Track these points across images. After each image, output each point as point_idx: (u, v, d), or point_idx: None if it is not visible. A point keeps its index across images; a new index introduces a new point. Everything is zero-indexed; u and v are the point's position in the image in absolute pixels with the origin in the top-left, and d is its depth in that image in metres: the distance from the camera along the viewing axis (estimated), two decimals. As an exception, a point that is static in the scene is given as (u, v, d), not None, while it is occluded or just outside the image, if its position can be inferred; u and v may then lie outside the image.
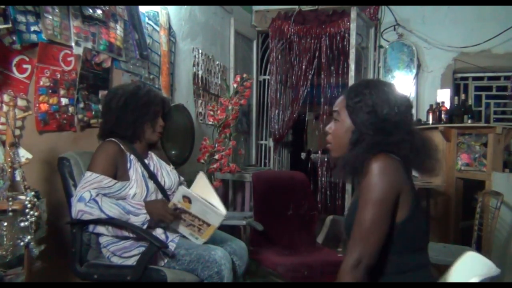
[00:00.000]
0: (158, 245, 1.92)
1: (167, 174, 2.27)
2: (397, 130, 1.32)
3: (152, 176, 2.16)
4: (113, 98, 2.13)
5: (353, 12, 4.15)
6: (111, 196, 2.00)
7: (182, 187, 2.07)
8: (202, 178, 2.15)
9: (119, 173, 2.07)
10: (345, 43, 4.49)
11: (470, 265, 1.29)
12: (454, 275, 1.30)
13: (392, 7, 4.56)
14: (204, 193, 2.08)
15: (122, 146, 2.11)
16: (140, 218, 1.98)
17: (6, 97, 2.00)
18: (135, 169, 2.11)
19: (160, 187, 2.18)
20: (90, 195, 1.92)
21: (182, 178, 2.41)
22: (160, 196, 2.17)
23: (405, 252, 1.30)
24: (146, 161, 2.20)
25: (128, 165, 2.11)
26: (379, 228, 1.22)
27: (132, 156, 2.13)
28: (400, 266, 1.30)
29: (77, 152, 2.24)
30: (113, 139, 2.12)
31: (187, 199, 2.01)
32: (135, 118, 2.12)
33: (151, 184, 2.14)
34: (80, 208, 1.90)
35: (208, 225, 2.04)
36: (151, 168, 2.20)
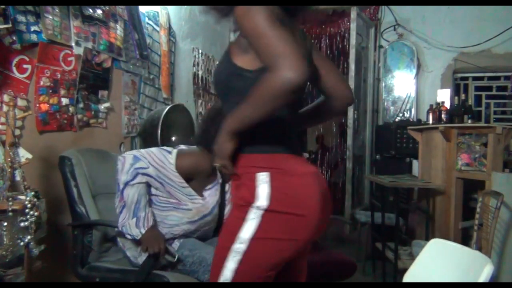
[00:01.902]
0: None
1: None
2: None
3: (222, 206, 2.10)
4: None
5: (353, 12, 4.15)
6: (166, 185, 1.95)
7: None
8: None
9: (192, 184, 2.01)
10: (345, 43, 4.50)
11: (435, 251, 1.33)
12: (419, 263, 1.35)
13: (392, 7, 4.57)
14: None
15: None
16: (133, 231, 1.91)
17: (6, 97, 1.99)
18: (214, 193, 2.06)
19: (220, 217, 2.11)
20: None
21: None
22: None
23: None
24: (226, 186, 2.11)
25: (210, 186, 2.06)
26: None
27: (220, 180, 2.07)
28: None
29: (79, 150, 2.24)
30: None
31: None
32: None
33: (215, 212, 2.07)
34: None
35: None
36: (226, 197, 2.13)
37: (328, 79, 1.36)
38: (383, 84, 4.65)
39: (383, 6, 4.61)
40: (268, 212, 1.14)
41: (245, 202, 1.17)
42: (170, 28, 3.42)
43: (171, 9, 3.44)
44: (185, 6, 3.68)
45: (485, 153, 3.26)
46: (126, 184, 1.91)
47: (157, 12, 3.25)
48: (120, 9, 2.77)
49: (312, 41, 1.41)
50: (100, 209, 2.21)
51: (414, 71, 4.52)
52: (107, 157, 2.45)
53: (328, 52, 4.68)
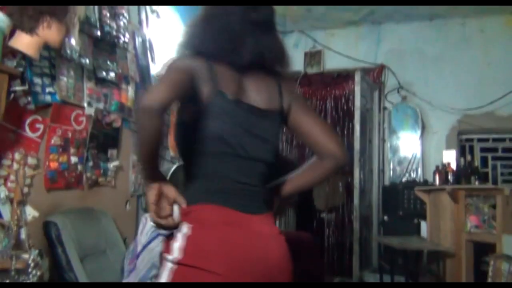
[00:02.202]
0: None
1: None
2: None
3: None
4: None
5: (357, 75, 4.28)
6: None
7: None
8: None
9: None
10: (349, 104, 4.59)
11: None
12: None
13: (395, 70, 4.70)
14: None
15: None
16: None
17: (17, 156, 2.04)
18: None
19: None
20: None
21: None
22: None
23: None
24: None
25: None
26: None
27: None
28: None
29: (63, 212, 2.21)
30: None
31: None
32: None
33: None
34: None
35: None
36: None
37: (313, 136, 1.29)
38: (389, 145, 4.69)
39: (386, 70, 4.74)
40: (180, 266, 1.10)
41: (164, 255, 1.15)
42: (179, 89, 3.52)
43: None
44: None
45: (494, 215, 3.22)
46: (144, 247, 1.87)
47: (168, 75, 3.36)
48: (132, 72, 2.88)
49: (296, 97, 1.33)
50: (88, 273, 2.17)
51: (419, 132, 4.57)
52: (92, 215, 2.44)
53: (334, 113, 4.77)
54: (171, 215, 1.16)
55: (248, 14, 1.24)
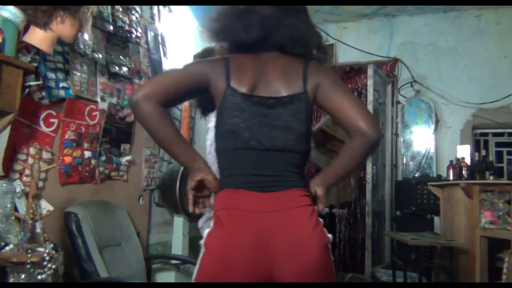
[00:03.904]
0: None
1: None
2: None
3: None
4: None
5: (370, 69, 4.24)
6: None
7: None
8: None
9: None
10: (362, 98, 4.55)
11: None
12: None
13: (408, 64, 4.64)
14: None
15: None
16: None
17: (32, 150, 2.06)
18: None
19: None
20: None
21: None
22: None
23: None
24: None
25: None
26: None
27: None
28: None
29: (83, 203, 2.24)
30: None
31: None
32: None
33: None
34: None
35: None
36: None
37: (340, 112, 1.24)
38: (402, 139, 4.65)
39: (399, 63, 4.69)
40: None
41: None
42: (191, 84, 3.52)
43: (193, 66, 3.57)
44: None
45: (510, 210, 3.17)
46: None
47: (180, 69, 3.37)
48: (145, 66, 2.88)
49: (325, 75, 1.28)
50: (107, 264, 2.20)
51: (433, 126, 4.51)
52: (109, 208, 2.47)
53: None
54: (205, 206, 1.23)
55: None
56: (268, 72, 1.25)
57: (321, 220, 1.19)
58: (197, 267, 1.19)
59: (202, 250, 1.18)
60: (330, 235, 1.20)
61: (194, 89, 1.24)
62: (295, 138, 1.23)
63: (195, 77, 1.22)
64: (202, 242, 1.20)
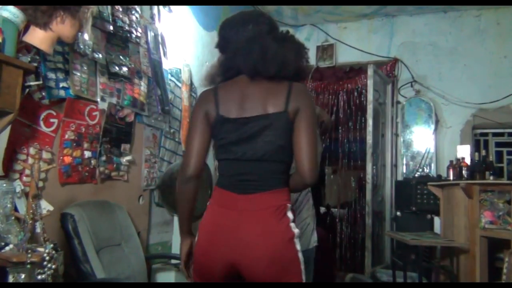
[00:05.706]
0: None
1: None
2: None
3: None
4: None
5: (370, 69, 4.24)
6: None
7: None
8: None
9: None
10: (362, 98, 4.56)
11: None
12: None
13: (408, 64, 4.65)
14: None
15: None
16: None
17: (32, 150, 2.06)
18: None
19: None
20: None
21: None
22: None
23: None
24: None
25: None
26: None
27: None
28: None
29: (80, 204, 2.23)
30: None
31: None
32: None
33: None
34: None
35: None
36: None
37: (296, 149, 1.47)
38: (402, 139, 4.65)
39: (399, 63, 4.69)
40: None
41: None
42: (191, 84, 3.53)
43: (193, 66, 3.57)
44: (207, 63, 3.81)
45: (510, 210, 3.17)
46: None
47: (180, 69, 3.37)
48: (145, 67, 2.89)
49: (304, 105, 1.47)
50: (107, 264, 2.19)
51: (433, 126, 4.52)
52: (108, 208, 2.46)
53: (346, 107, 4.74)
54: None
55: (244, 29, 1.56)
56: (255, 93, 1.49)
57: (289, 217, 1.44)
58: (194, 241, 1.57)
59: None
60: (295, 230, 1.44)
61: (209, 130, 1.54)
62: (274, 150, 1.47)
63: (204, 126, 1.53)
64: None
